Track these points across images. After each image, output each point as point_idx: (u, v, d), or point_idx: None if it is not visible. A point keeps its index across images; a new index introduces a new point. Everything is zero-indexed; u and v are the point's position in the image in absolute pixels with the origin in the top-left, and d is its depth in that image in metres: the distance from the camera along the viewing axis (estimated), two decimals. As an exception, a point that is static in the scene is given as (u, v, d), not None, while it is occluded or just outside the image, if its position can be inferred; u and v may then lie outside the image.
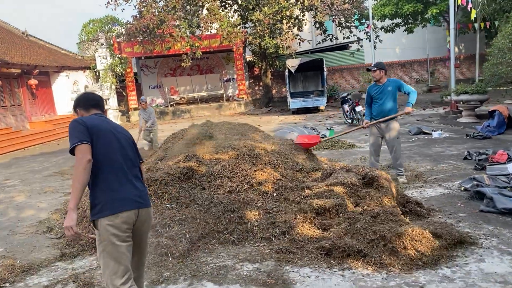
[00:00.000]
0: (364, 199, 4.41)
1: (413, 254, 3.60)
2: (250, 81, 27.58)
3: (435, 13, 16.97)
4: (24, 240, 5.28)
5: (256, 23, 19.97)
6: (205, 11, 21.33)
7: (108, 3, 20.61)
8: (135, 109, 24.57)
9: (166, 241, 4.29)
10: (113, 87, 24.03)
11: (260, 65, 24.71)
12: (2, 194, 8.14)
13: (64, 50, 24.63)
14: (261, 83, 28.11)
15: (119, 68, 23.49)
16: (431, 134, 10.49)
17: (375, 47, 22.77)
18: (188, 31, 20.26)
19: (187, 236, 4.39)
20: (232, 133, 7.75)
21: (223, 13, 20.29)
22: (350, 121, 14.30)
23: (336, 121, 15.97)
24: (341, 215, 4.25)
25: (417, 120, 13.92)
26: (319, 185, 4.71)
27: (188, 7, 20.72)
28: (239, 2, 22.87)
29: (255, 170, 5.23)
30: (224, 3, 22.54)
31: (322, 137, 10.69)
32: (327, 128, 12.05)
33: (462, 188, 5.57)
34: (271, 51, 21.66)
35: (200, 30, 20.63)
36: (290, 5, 20.09)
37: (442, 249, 3.69)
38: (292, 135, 10.13)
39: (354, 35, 22.24)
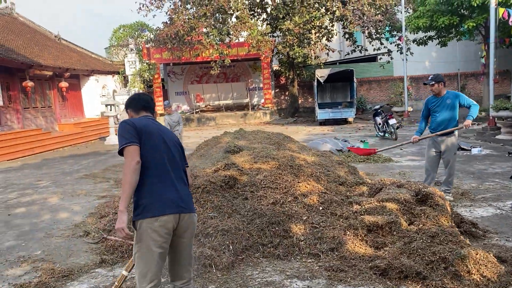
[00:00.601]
0: (419, 217, 4.17)
1: (478, 280, 3.35)
2: (276, 90, 27.46)
3: (471, 27, 16.53)
4: (61, 244, 5.20)
5: (286, 32, 19.86)
6: (234, 19, 21.39)
7: (140, 8, 20.79)
8: (161, 114, 24.70)
9: (210, 251, 4.13)
10: (141, 92, 24.20)
11: (287, 74, 24.61)
12: (35, 195, 8.14)
13: (94, 54, 24.99)
14: (287, 93, 27.97)
15: (147, 73, 23.69)
16: (470, 150, 10.13)
17: (406, 59, 22.45)
18: (217, 38, 20.30)
19: (231, 247, 4.23)
20: (268, 143, 7.62)
21: (252, 21, 20.25)
22: (382, 134, 14.01)
23: (366, 133, 15.67)
24: (395, 233, 4.02)
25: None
26: (369, 201, 4.49)
27: (218, 14, 20.79)
28: (268, 11, 22.87)
29: (298, 182, 5.05)
30: (253, 12, 22.55)
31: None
32: (361, 141, 11.79)
33: (516, 209, 5.27)
34: (299, 60, 21.55)
35: (230, 37, 20.65)
36: (321, 15, 19.95)
37: (509, 275, 3.43)
38: (326, 147, 9.94)
39: (384, 47, 21.95)
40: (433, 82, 6.25)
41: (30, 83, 16.46)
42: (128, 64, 23.77)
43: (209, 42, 20.25)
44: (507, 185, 6.76)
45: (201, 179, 5.13)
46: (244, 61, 26.87)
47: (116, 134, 17.30)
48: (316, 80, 19.79)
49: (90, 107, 22.46)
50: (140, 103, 3.02)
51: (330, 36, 22.40)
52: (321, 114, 19.62)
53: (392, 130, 13.15)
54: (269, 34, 21.16)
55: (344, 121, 20.17)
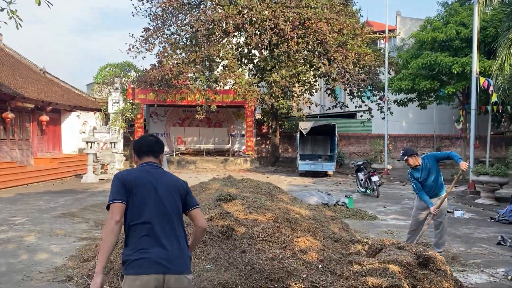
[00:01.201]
0: (422, 281, 4.11)
1: None
2: (257, 138, 27.67)
3: (451, 92, 17.26)
4: (41, 288, 4.89)
5: (272, 84, 20.28)
6: (220, 67, 21.80)
7: (130, 49, 20.98)
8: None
9: (206, 307, 3.95)
10: (121, 131, 23.99)
11: (270, 124, 24.92)
12: (11, 232, 7.74)
13: (77, 90, 24.85)
14: (268, 142, 28.20)
15: (130, 113, 23.59)
16: (453, 213, 10.26)
17: (383, 118, 23.13)
18: (205, 84, 20.54)
19: (228, 303, 4.05)
20: (259, 192, 7.56)
21: (240, 70, 20.66)
22: (363, 190, 14.10)
23: (348, 188, 15.77)
24: (398, 297, 3.93)
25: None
26: (370, 261, 4.42)
27: (206, 61, 21.15)
28: (255, 62, 23.44)
29: (297, 237, 4.96)
30: (240, 62, 23.06)
31: (342, 205, 10.47)
32: (346, 196, 11.82)
33: (510, 278, 5.28)
34: (283, 111, 21.89)
35: (218, 84, 20.93)
36: (306, 70, 20.53)
37: None
38: (312, 199, 9.92)
39: (365, 105, 22.60)
40: (406, 157, 6.34)
41: (10, 115, 16.12)
42: (112, 102, 23.64)
43: (196, 87, 20.45)
44: (495, 251, 6.82)
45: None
46: (228, 108, 27.15)
47: (93, 173, 17.01)
48: (299, 132, 20.04)
49: (68, 143, 22.04)
50: (142, 149, 2.89)
51: (313, 91, 23.01)
52: (302, 165, 19.74)
53: (375, 187, 13.27)
54: (255, 84, 21.55)
55: (323, 174, 20.32)
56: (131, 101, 23.79)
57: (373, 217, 9.55)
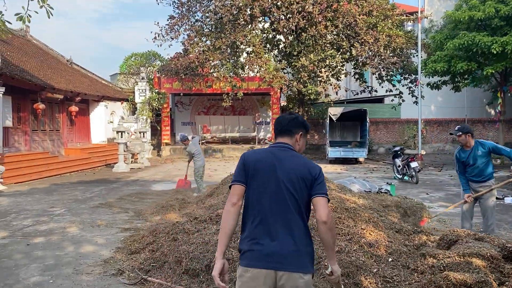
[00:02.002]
0: (510, 277, 3.76)
1: None
2: (283, 126, 27.27)
3: (490, 73, 16.53)
4: (93, 283, 4.71)
5: (300, 69, 19.82)
6: (245, 54, 21.43)
7: (155, 38, 20.76)
8: (167, 144, 24.41)
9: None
10: (149, 120, 23.95)
11: (297, 110, 24.47)
12: (52, 223, 7.64)
13: (104, 80, 24.85)
14: (294, 129, 27.78)
15: (157, 102, 23.49)
16: (502, 199, 9.78)
17: (415, 102, 22.44)
18: (231, 71, 20.21)
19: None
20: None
21: (267, 56, 20.23)
22: (401, 176, 13.66)
23: (383, 174, 15.33)
24: (486, 294, 3.59)
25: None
26: (446, 254, 4.08)
27: (233, 48, 20.80)
28: (280, 47, 22.98)
29: (362, 228, 4.63)
30: (266, 48, 22.63)
31: (385, 192, 10.07)
32: (387, 183, 11.41)
33: None
34: (312, 97, 21.44)
35: (244, 71, 20.58)
36: (335, 54, 19.98)
37: None
38: (354, 187, 9.55)
39: (396, 89, 21.96)
40: (460, 133, 5.98)
41: (41, 105, 16.14)
42: (138, 92, 23.58)
43: (222, 74, 20.14)
44: (562, 240, 6.37)
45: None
46: (253, 95, 26.83)
47: (124, 162, 16.96)
48: (328, 118, 19.58)
49: (97, 133, 22.10)
50: (277, 127, 2.65)
51: (340, 75, 22.44)
52: (332, 152, 19.32)
53: (414, 173, 12.82)
54: (282, 70, 21.10)
55: (354, 161, 19.88)
56: (157, 90, 23.67)
57: (419, 204, 9.12)
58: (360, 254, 4.30)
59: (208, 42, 21.05)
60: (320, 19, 18.80)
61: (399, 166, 13.74)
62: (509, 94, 19.64)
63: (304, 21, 19.04)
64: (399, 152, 14.10)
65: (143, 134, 19.87)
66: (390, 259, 4.27)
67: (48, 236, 6.75)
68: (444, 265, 3.97)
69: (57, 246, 6.19)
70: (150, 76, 24.47)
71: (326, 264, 2.54)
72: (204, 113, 27.98)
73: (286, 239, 2.38)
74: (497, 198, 9.89)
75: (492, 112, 30.30)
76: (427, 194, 10.91)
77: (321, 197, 2.43)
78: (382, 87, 23.00)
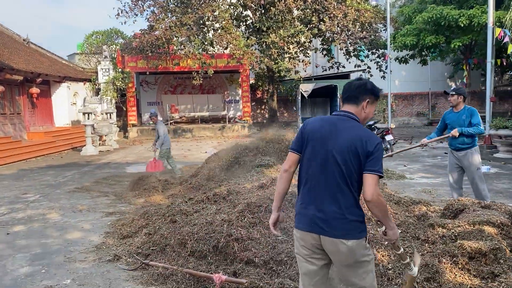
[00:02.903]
0: (522, 243, 3.80)
1: None
2: (252, 104, 27.10)
3: (457, 46, 16.86)
4: (90, 270, 4.45)
5: (271, 45, 19.58)
6: (212, 31, 20.93)
7: (119, 14, 19.91)
8: (133, 125, 23.76)
9: (290, 282, 3.57)
10: (113, 101, 23.14)
11: (267, 88, 24.30)
12: (29, 210, 7.22)
13: (65, 60, 23.73)
14: (263, 107, 27.72)
15: (121, 82, 22.68)
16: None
17: (382, 77, 22.70)
18: (200, 48, 19.71)
19: (311, 276, 3.68)
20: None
21: (237, 32, 19.82)
22: (375, 150, 13.81)
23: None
24: (501, 261, 3.61)
25: (445, 153, 13.53)
26: (456, 223, 4.08)
27: (200, 24, 20.25)
28: (248, 23, 22.59)
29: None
30: (233, 24, 22.17)
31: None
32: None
33: None
34: (282, 74, 21.30)
35: (213, 47, 20.13)
36: (306, 29, 19.82)
37: None
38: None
39: (365, 64, 22.10)
40: (454, 93, 6.06)
41: (0, 88, 15.20)
42: (102, 72, 22.65)
43: (191, 51, 19.62)
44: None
45: (254, 197, 4.56)
46: (221, 73, 26.38)
47: (93, 144, 16.35)
48: (299, 95, 19.51)
49: (60, 116, 21.17)
50: (343, 95, 2.64)
51: (307, 52, 22.34)
52: (304, 128, 19.30)
53: (389, 146, 12.99)
54: (252, 46, 20.79)
55: (326, 137, 19.99)
56: (121, 69, 22.84)
57: (401, 176, 9.28)
58: (369, 227, 4.25)
59: (174, 18, 20.39)
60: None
61: (373, 139, 13.87)
62: (473, 66, 20.19)
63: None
64: (373, 126, 14.22)
65: (110, 115, 19.19)
66: (399, 231, 4.23)
67: (28, 224, 6.36)
68: (456, 234, 3.97)
69: (41, 234, 5.85)
70: (114, 55, 23.54)
71: (379, 222, 2.47)
72: (171, 92, 27.35)
73: (330, 207, 2.45)
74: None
75: (453, 85, 31.18)
76: (405, 166, 11.08)
77: (370, 174, 2.40)
78: (350, 62, 23.11)
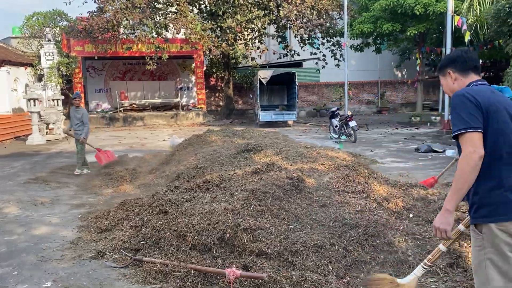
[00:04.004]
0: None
1: None
2: (206, 91, 26.48)
3: (413, 34, 17.17)
4: (72, 270, 3.91)
5: (227, 30, 19.06)
6: (162, 14, 20.09)
7: (64, -6, 18.56)
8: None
9: (312, 274, 3.26)
10: (59, 87, 21.68)
11: (223, 74, 23.77)
12: (-19, 205, 6.42)
13: (3, 43, 21.90)
14: (217, 94, 27.14)
15: (66, 67, 21.26)
16: (443, 152, 10.26)
17: (338, 66, 22.89)
18: (154, 32, 18.81)
19: (330, 267, 3.40)
20: (276, 143, 6.81)
21: (193, 15, 19.09)
22: (337, 136, 13.83)
23: (318, 136, 15.46)
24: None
25: (405, 138, 13.80)
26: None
27: (154, 6, 19.33)
28: (201, 7, 21.91)
29: (375, 185, 4.35)
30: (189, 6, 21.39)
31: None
32: (335, 142, 11.43)
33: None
34: (239, 60, 20.88)
35: (168, 31, 19.29)
36: (263, 14, 19.45)
37: None
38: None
39: (320, 52, 22.11)
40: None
41: None
42: (45, 56, 21.03)
43: (144, 35, 18.69)
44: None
45: (260, 182, 4.20)
46: (173, 59, 25.47)
47: (39, 133, 15.18)
48: (258, 82, 19.19)
49: (-1, 102, 19.52)
50: (469, 62, 2.34)
51: (262, 39, 22.04)
52: (263, 116, 19.11)
53: (352, 132, 13.03)
54: (209, 30, 20.15)
55: (283, 124, 19.91)
56: (66, 53, 21.41)
57: (373, 161, 9.24)
58: (381, 211, 4.03)
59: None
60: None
61: (336, 126, 13.88)
62: (425, 55, 20.77)
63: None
64: (336, 112, 14.23)
65: (57, 102, 17.94)
66: (411, 215, 4.05)
67: (-16, 220, 5.63)
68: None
69: (1, 230, 5.16)
70: (59, 38, 22.02)
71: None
72: (120, 78, 26.08)
73: None
74: (437, 151, 10.42)
75: (399, 74, 32.19)
76: (372, 151, 11.11)
77: None
78: (304, 50, 23.06)
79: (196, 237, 3.73)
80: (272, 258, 3.49)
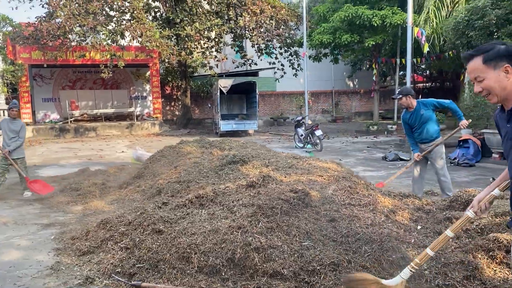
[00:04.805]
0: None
1: None
2: (161, 100, 25.85)
3: (371, 45, 17.61)
4: (60, 300, 3.49)
5: (186, 38, 18.72)
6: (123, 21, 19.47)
7: (11, -3, 17.50)
8: (27, 124, 21.14)
9: (334, 294, 3.07)
10: (3, 96, 20.40)
11: (180, 83, 23.30)
12: None
13: None
14: (172, 103, 26.58)
15: (12, 75, 20.04)
16: (410, 160, 10.44)
17: (295, 75, 23.10)
18: (109, 39, 18.11)
19: (349, 286, 3.22)
20: (259, 153, 6.60)
21: (150, 22, 18.56)
22: (302, 145, 13.84)
23: (282, 144, 15.42)
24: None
25: (368, 147, 14.02)
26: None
27: (107, 14, 18.66)
28: (157, 14, 21.46)
29: (379, 196, 4.24)
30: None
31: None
32: (306, 151, 11.37)
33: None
34: (198, 69, 20.56)
35: (124, 39, 18.65)
36: (222, 23, 19.29)
37: None
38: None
39: (279, 61, 22.21)
40: (400, 96, 6.11)
41: None
42: (-12, 63, 19.80)
43: (99, 43, 17.96)
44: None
45: (264, 197, 3.96)
46: (127, 67, 24.68)
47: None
48: (218, 91, 18.93)
49: None
50: None
51: (219, 48, 21.89)
52: (224, 125, 18.86)
53: (318, 141, 13.07)
54: (166, 38, 19.68)
55: (244, 133, 19.75)
56: (11, 61, 20.20)
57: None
58: (390, 224, 3.92)
59: (77, 5, 18.47)
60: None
61: (301, 135, 13.89)
62: (368, 66, 21.42)
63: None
64: (301, 121, 14.25)
65: (3, 112, 16.81)
66: (419, 227, 3.97)
67: None
68: (481, 226, 3.79)
69: (-38, 257, 4.59)
70: (3, 44, 20.73)
71: None
72: (70, 87, 24.90)
73: None
74: (404, 159, 10.61)
75: (351, 84, 33.05)
76: (340, 159, 11.14)
77: None
78: (261, 60, 23.11)
79: (202, 259, 3.44)
80: (288, 279, 3.27)
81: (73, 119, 23.36)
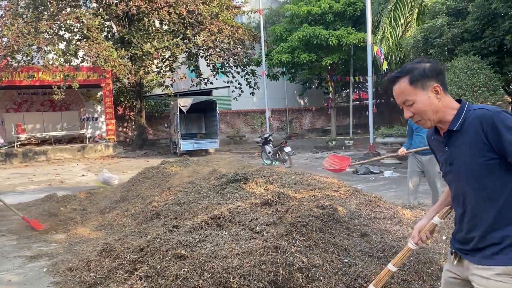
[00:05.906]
0: None
1: None
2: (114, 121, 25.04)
3: (328, 64, 18.09)
4: None
5: (144, 57, 18.33)
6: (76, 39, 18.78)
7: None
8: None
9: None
10: None
11: (134, 103, 22.70)
12: None
13: None
14: (125, 124, 25.87)
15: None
16: (381, 173, 10.72)
17: (253, 94, 23.22)
18: (61, 58, 17.34)
19: (397, 301, 3.17)
20: (247, 169, 6.47)
21: (107, 42, 18.00)
22: (269, 162, 13.83)
23: (248, 162, 15.31)
24: None
25: (334, 162, 14.20)
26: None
27: (57, 33, 17.93)
28: (108, 34, 20.95)
29: (401, 208, 4.24)
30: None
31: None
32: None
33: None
34: (154, 88, 20.17)
35: (77, 58, 17.95)
36: (181, 42, 19.10)
37: None
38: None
39: (236, 80, 22.26)
40: None
41: None
42: None
43: (51, 62, 17.15)
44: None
45: (291, 215, 3.84)
46: (77, 88, 23.76)
47: None
48: (178, 110, 18.60)
49: None
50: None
51: (173, 67, 21.66)
52: (184, 145, 18.51)
53: (287, 157, 13.12)
54: (123, 57, 19.17)
55: (205, 152, 19.51)
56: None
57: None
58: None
59: (25, 24, 17.59)
60: (162, 4, 17.64)
61: (269, 152, 13.88)
62: (317, 85, 21.98)
63: (146, 4, 17.52)
64: (268, 138, 14.26)
65: None
66: (444, 237, 4.00)
67: None
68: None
69: (-50, 299, 4.08)
70: None
71: None
72: (15, 110, 23.60)
73: (477, 230, 2.01)
74: (375, 172, 10.86)
75: (302, 102, 33.81)
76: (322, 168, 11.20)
77: None
78: (217, 79, 23.08)
79: (242, 283, 3.24)
80: (336, 298, 3.16)
81: (19, 143, 22.03)
